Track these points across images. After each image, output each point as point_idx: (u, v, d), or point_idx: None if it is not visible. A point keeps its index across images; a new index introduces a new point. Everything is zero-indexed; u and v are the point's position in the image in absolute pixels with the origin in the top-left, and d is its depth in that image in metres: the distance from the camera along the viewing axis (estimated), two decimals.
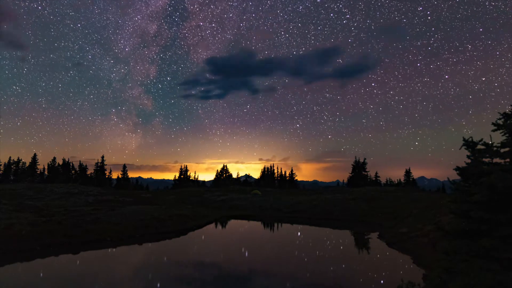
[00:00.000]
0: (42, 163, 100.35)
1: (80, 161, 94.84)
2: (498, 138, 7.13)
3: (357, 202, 34.00)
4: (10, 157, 64.33)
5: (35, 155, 63.86)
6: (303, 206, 33.76)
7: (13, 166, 62.81)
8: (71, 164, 67.48)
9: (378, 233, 22.49)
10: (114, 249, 16.96)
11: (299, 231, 25.46)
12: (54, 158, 67.20)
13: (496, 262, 5.86)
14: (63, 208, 23.88)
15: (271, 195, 42.08)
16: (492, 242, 5.98)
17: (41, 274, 12.46)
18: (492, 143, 7.10)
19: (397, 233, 20.31)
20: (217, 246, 18.58)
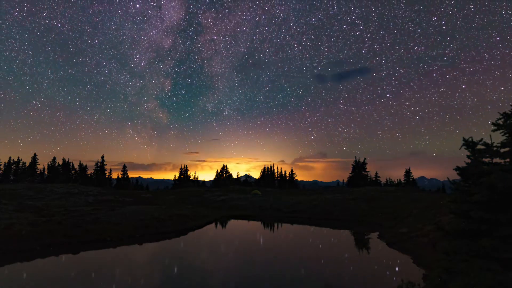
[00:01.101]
0: (42, 163, 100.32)
1: (80, 161, 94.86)
2: (498, 138, 7.13)
3: (357, 202, 34.01)
4: (10, 157, 64.36)
5: (35, 155, 63.87)
6: (303, 206, 33.76)
7: (13, 166, 62.80)
8: (71, 164, 67.50)
9: (378, 233, 22.49)
10: (114, 249, 16.96)
11: (299, 231, 25.46)
12: (54, 158, 67.26)
13: (496, 262, 5.86)
14: (63, 208, 23.88)
15: (271, 195, 42.08)
16: (492, 242, 5.98)
17: (41, 274, 12.46)
18: (492, 143, 7.10)
19: (397, 233, 20.31)
20: (217, 246, 18.58)
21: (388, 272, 13.43)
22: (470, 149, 7.35)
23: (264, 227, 27.56)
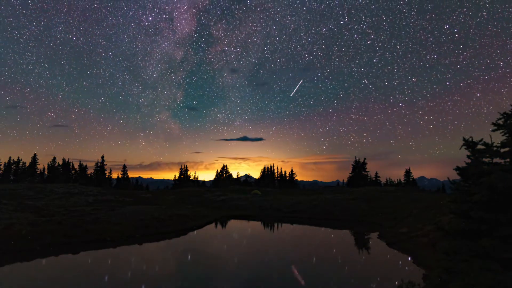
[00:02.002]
0: (42, 163, 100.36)
1: (80, 161, 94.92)
2: (498, 138, 7.13)
3: (357, 202, 34.01)
4: (10, 157, 64.35)
5: (35, 155, 63.87)
6: (303, 206, 33.76)
7: (13, 166, 62.79)
8: (71, 164, 67.52)
9: (378, 233, 22.49)
10: (114, 249, 16.96)
11: (299, 231, 25.46)
12: (54, 158, 67.24)
13: (496, 262, 5.86)
14: (63, 208, 23.88)
15: (271, 195, 42.08)
16: (492, 242, 5.98)
17: (41, 274, 12.46)
18: (492, 143, 7.09)
19: (397, 233, 20.31)
20: (217, 246, 18.58)
21: (388, 272, 13.42)
22: (470, 149, 7.35)
23: (264, 227, 27.56)
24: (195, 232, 22.87)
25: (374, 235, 22.01)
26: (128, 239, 18.98)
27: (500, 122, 7.10)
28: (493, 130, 7.18)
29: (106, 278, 12.00)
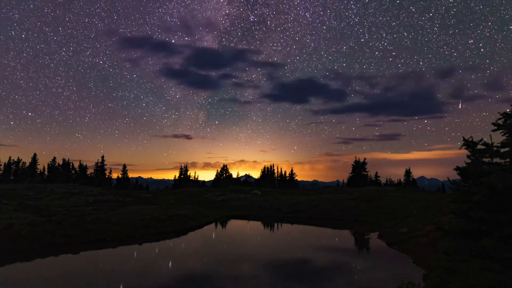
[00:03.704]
0: (42, 163, 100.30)
1: (80, 161, 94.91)
2: (498, 138, 7.13)
3: (357, 202, 34.00)
4: (10, 157, 64.39)
5: (35, 155, 63.86)
6: (303, 206, 33.76)
7: (13, 166, 62.78)
8: (71, 164, 67.51)
9: (378, 233, 22.49)
10: (114, 249, 16.96)
11: (299, 231, 25.45)
12: (54, 158, 67.23)
13: (496, 262, 5.86)
14: (63, 208, 23.87)
15: (271, 195, 42.06)
16: (492, 242, 5.98)
17: (41, 274, 12.46)
18: (492, 143, 7.09)
19: (397, 233, 20.31)
20: (217, 246, 18.58)
21: (388, 272, 13.43)
22: (470, 149, 7.35)
23: (264, 227, 27.56)
24: (195, 232, 22.87)
25: (374, 235, 22.01)
26: (128, 239, 18.97)
27: (500, 122, 7.10)
28: (493, 130, 7.18)
29: (106, 278, 12.00)
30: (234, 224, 28.30)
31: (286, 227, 27.20)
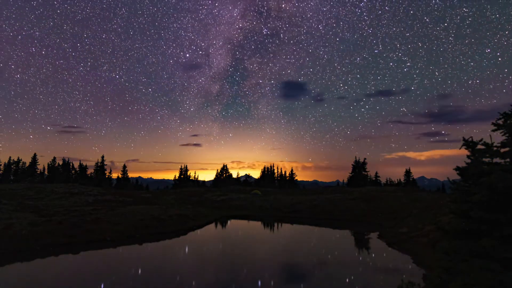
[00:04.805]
0: (42, 163, 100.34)
1: (80, 161, 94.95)
2: (498, 138, 7.13)
3: (357, 202, 34.01)
4: (10, 157, 64.38)
5: (35, 155, 63.85)
6: (303, 206, 33.76)
7: (13, 166, 62.78)
8: (71, 164, 67.52)
9: (378, 233, 22.49)
10: (114, 249, 16.96)
11: (299, 231, 25.46)
12: (54, 158, 67.23)
13: (496, 262, 5.86)
14: (63, 208, 23.88)
15: (271, 195, 42.07)
16: (492, 242, 5.98)
17: (41, 274, 12.46)
18: (492, 143, 7.09)
19: (397, 233, 20.31)
20: (217, 246, 18.58)
21: (388, 272, 13.42)
22: (470, 149, 7.35)
23: (264, 227, 27.56)
24: (195, 232, 22.87)
25: (374, 235, 22.01)
26: (128, 239, 18.98)
27: (500, 122, 7.10)
28: (493, 130, 7.17)
29: (106, 278, 12.00)
30: (234, 224, 28.29)
31: (286, 227, 27.20)
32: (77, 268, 13.41)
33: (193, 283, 11.60)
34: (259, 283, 11.74)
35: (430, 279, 7.10)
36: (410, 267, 13.99)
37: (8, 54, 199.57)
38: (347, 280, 12.35)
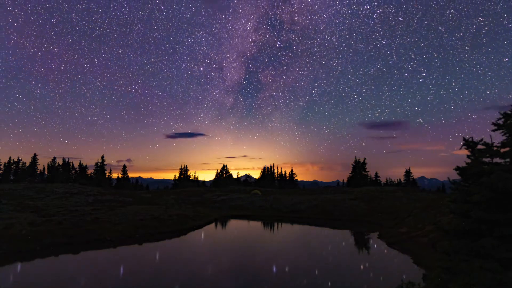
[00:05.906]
0: (42, 163, 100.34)
1: (80, 161, 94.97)
2: (498, 138, 7.13)
3: (357, 202, 34.01)
4: (10, 157, 64.36)
5: (35, 155, 63.85)
6: (303, 206, 33.77)
7: (13, 166, 62.77)
8: (71, 164, 67.51)
9: (378, 233, 22.49)
10: (114, 249, 16.95)
11: (299, 231, 25.46)
12: (54, 158, 67.24)
13: (496, 262, 5.86)
14: (63, 208, 23.87)
15: (271, 195, 42.06)
16: (492, 242, 5.98)
17: (41, 274, 12.45)
18: (492, 143, 7.09)
19: (397, 233, 20.31)
20: (217, 246, 18.57)
21: (388, 272, 13.42)
22: (470, 149, 7.35)
23: (264, 227, 27.56)
24: (195, 232, 22.86)
25: (374, 235, 22.01)
26: (128, 239, 18.97)
27: (500, 122, 7.10)
28: (493, 130, 7.17)
29: (106, 278, 11.99)
30: (234, 224, 28.29)
31: (286, 227, 27.20)
32: (77, 268, 13.40)
33: (193, 283, 11.60)
34: (259, 283, 11.75)
35: (430, 279, 7.09)
36: (410, 267, 13.98)
37: (28, 70, 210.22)
38: (347, 280, 12.35)
